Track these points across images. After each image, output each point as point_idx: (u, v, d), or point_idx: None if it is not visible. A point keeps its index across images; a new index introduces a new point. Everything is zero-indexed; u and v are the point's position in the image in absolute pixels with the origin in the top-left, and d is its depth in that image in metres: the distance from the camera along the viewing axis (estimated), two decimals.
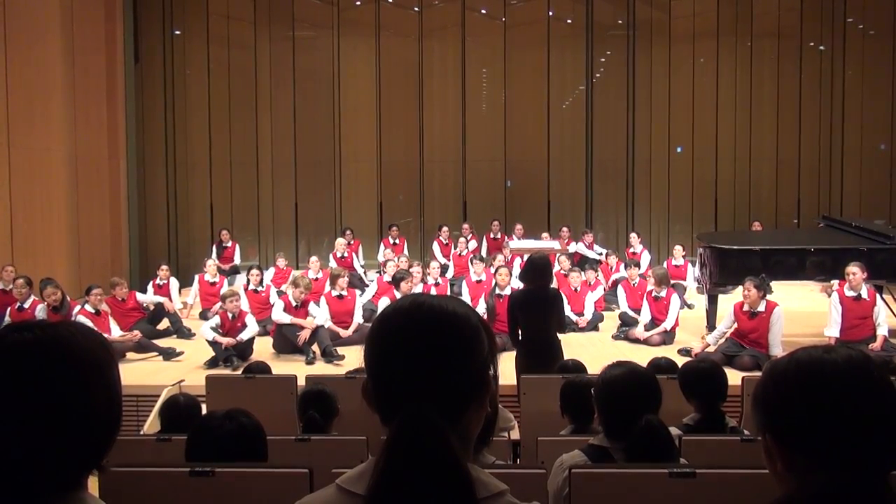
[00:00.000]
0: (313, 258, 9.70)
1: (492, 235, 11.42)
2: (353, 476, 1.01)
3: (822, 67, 12.99)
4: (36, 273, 8.00)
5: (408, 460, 0.92)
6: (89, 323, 6.37)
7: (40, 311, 7.16)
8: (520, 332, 5.00)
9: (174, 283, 8.98)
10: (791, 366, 1.00)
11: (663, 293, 7.57)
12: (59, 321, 1.05)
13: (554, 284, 8.59)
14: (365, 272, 10.79)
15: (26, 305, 7.40)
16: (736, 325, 6.55)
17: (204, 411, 3.50)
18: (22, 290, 7.46)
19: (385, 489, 0.92)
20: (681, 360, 4.79)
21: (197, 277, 9.16)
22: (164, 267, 9.13)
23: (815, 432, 0.95)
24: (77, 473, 0.98)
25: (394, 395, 1.00)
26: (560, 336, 5.17)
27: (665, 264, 10.03)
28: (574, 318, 8.13)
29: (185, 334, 7.86)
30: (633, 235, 10.92)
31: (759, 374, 5.10)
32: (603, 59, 13.22)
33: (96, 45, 11.02)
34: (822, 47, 13.08)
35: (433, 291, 8.10)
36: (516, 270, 9.32)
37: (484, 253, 10.81)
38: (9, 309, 7.46)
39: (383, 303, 7.52)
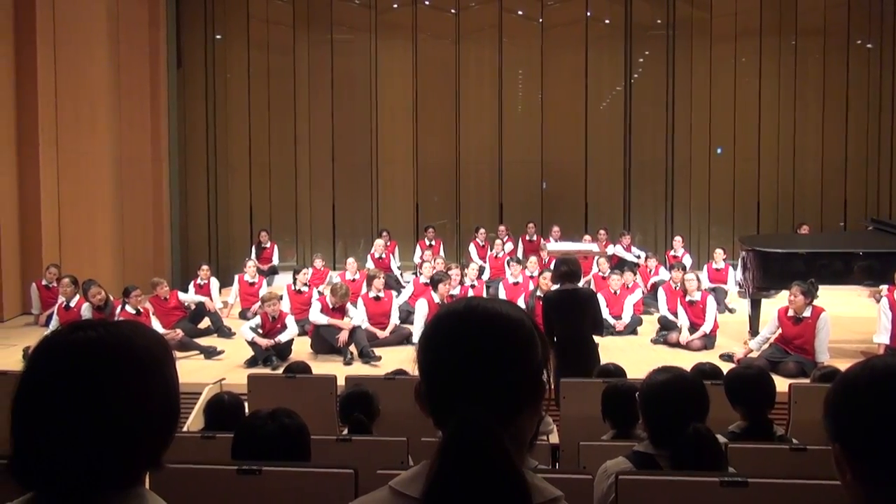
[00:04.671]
0: (350, 259, 9.77)
1: (527, 237, 11.36)
2: (406, 478, 1.01)
3: (869, 65, 12.63)
4: (81, 272, 8.21)
5: (463, 464, 0.91)
6: None
7: (86, 310, 7.34)
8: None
9: (214, 283, 9.12)
10: (864, 373, 0.96)
11: (698, 297, 7.44)
12: (122, 320, 1.07)
13: (591, 286, 8.61)
14: (401, 273, 10.83)
15: (72, 304, 7.60)
16: (780, 331, 6.39)
17: (246, 410, 3.55)
18: (68, 288, 7.66)
19: (440, 493, 0.91)
20: (724, 366, 4.70)
21: (237, 277, 9.30)
22: (205, 267, 9.27)
23: (886, 443, 0.91)
24: (136, 470, 1.00)
25: (447, 398, 0.99)
26: (597, 339, 5.10)
27: (706, 268, 9.86)
28: (612, 321, 8.04)
29: (226, 333, 7.98)
30: (678, 239, 10.77)
31: (806, 381, 4.98)
32: (641, 60, 13.05)
33: (141, 50, 11.28)
34: (869, 45, 12.71)
35: (470, 293, 8.09)
36: None
37: (520, 255, 10.76)
38: (56, 307, 7.68)
39: (420, 304, 7.54)
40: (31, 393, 0.95)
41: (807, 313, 6.21)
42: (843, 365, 5.08)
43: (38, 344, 1.00)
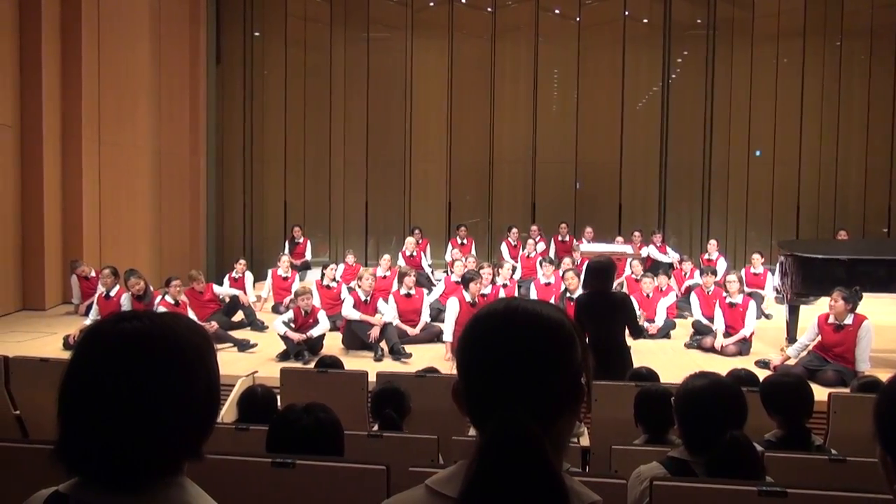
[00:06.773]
0: (385, 256, 9.73)
1: (560, 238, 11.28)
2: (443, 478, 1.00)
3: None
4: (120, 262, 8.39)
5: (502, 466, 0.90)
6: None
7: (125, 300, 7.49)
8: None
9: (249, 277, 9.23)
10: None
11: (738, 300, 7.27)
12: (166, 312, 1.09)
13: (624, 289, 8.52)
14: (432, 271, 10.85)
15: (112, 294, 7.76)
16: (819, 338, 6.24)
17: (278, 403, 3.58)
18: (108, 279, 7.82)
19: (478, 493, 0.90)
20: (759, 373, 4.61)
21: (270, 272, 9.40)
22: (242, 261, 9.37)
23: None
24: (178, 459, 1.01)
25: (487, 399, 0.98)
26: (630, 342, 5.04)
27: (743, 272, 9.68)
28: (645, 324, 7.94)
29: (259, 327, 8.07)
30: (712, 242, 10.60)
31: (845, 390, 4.85)
32: (680, 60, 12.87)
33: (181, 47, 11.49)
34: None
35: (502, 293, 8.07)
36: None
37: (552, 255, 10.69)
38: (96, 297, 7.86)
39: (451, 303, 7.53)
40: (77, 381, 0.97)
41: (848, 320, 6.05)
42: (884, 375, 4.93)
43: (85, 333, 1.02)
